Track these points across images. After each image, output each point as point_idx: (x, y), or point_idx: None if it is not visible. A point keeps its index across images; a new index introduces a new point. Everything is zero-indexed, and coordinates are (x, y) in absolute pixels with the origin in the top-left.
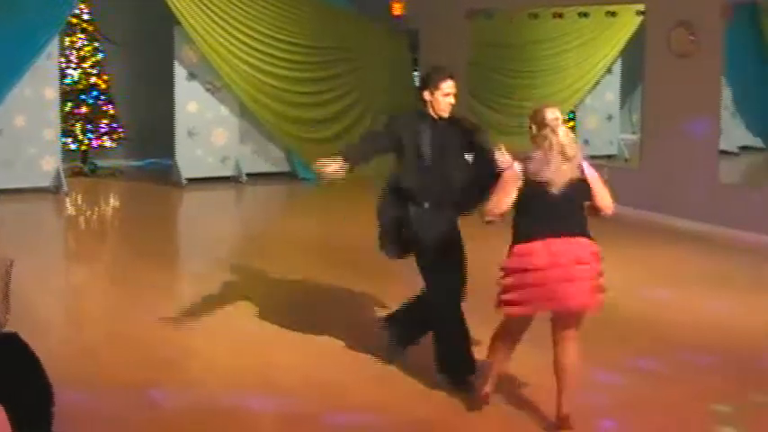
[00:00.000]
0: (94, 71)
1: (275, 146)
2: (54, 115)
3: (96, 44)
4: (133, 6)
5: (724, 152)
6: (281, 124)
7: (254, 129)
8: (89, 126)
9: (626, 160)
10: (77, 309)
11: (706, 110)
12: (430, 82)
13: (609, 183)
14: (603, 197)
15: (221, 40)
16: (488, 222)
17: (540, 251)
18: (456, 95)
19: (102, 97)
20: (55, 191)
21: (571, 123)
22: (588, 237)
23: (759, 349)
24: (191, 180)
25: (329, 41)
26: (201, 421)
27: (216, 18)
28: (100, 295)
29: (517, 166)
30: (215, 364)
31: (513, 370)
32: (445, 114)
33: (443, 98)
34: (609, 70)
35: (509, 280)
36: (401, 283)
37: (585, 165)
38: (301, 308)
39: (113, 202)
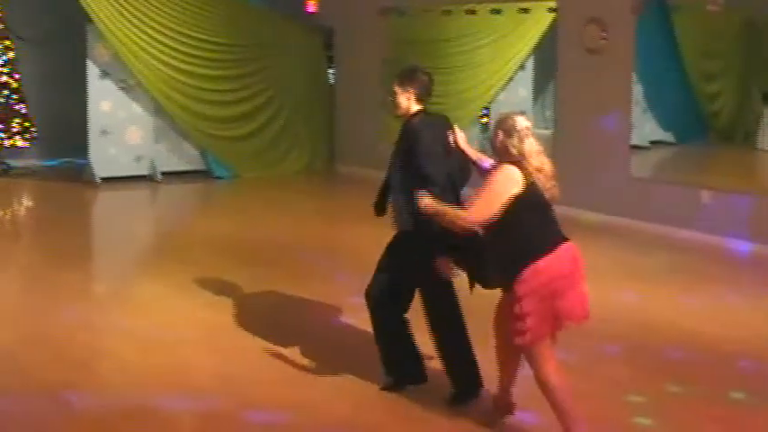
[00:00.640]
0: (5, 70)
1: (190, 144)
2: None
3: (7, 42)
4: (44, 4)
5: (636, 147)
6: (195, 122)
7: (169, 127)
8: (1, 126)
9: None
10: None
11: (618, 105)
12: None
13: None
14: None
15: (134, 37)
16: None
17: (564, 256)
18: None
19: (14, 96)
20: None
21: (485, 119)
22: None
23: (668, 340)
24: (105, 179)
25: (243, 39)
26: (116, 423)
27: (129, 15)
28: (13, 296)
29: (514, 169)
30: (128, 364)
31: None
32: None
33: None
34: (522, 66)
35: (531, 305)
36: (317, 281)
37: None
38: (215, 307)
39: (27, 202)
